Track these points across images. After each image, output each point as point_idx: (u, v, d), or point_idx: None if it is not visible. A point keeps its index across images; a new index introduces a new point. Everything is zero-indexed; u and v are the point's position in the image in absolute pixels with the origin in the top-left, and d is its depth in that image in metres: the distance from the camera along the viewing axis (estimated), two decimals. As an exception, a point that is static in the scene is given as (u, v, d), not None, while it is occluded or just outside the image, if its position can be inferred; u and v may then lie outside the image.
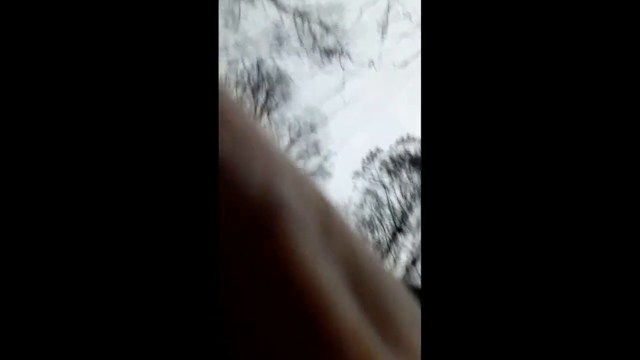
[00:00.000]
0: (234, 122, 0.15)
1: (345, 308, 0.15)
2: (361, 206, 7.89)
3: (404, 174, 7.36)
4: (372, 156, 7.74)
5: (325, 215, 0.16)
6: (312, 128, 7.79)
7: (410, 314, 0.16)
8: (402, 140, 7.30)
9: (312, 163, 7.87)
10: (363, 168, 7.84)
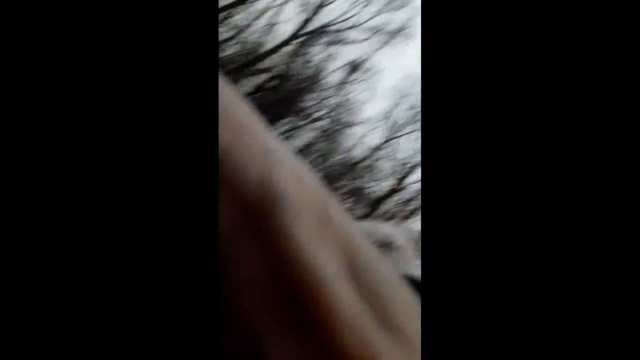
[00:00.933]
0: (232, 117, 0.15)
1: (343, 296, 0.15)
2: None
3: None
4: None
5: (323, 206, 0.16)
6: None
7: (406, 303, 0.16)
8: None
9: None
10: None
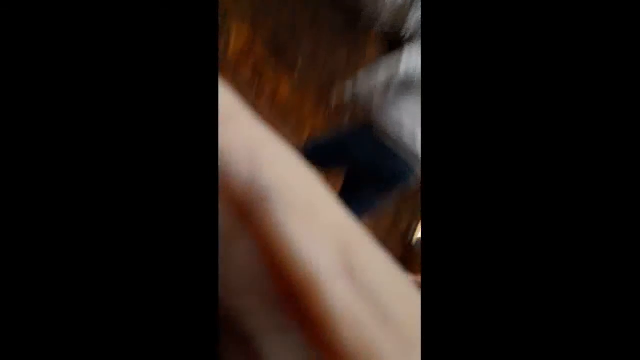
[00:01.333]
0: (220, 111, 0.15)
1: (339, 292, 0.14)
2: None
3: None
4: None
5: (316, 200, 0.15)
6: None
7: (406, 299, 0.16)
8: None
9: None
10: None
